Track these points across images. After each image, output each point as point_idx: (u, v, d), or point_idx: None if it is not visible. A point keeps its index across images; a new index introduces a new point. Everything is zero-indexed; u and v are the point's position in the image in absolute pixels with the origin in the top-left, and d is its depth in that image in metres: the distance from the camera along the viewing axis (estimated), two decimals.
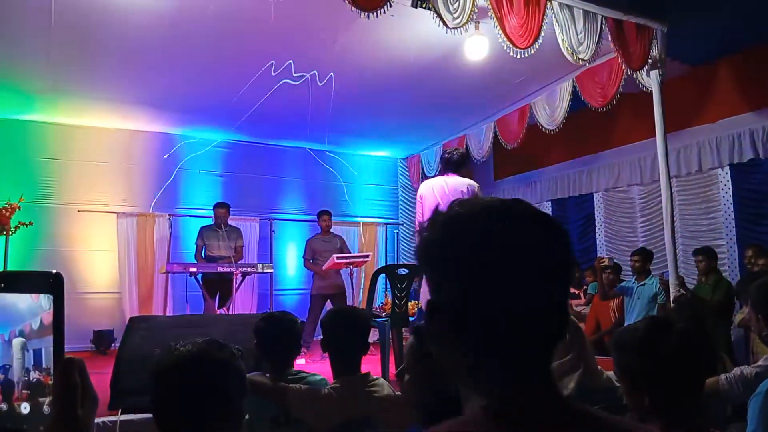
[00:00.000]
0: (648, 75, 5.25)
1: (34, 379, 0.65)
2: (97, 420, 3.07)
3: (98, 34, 4.99)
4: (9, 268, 6.01)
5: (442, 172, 5.69)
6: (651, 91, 5.25)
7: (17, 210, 5.86)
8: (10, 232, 5.87)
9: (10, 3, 4.46)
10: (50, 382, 0.64)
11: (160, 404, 1.40)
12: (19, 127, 7.00)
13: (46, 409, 0.64)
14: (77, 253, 7.22)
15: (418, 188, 9.29)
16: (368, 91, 6.38)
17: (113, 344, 6.65)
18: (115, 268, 7.31)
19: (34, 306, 0.65)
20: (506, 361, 0.66)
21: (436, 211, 0.71)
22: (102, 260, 7.32)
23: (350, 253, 7.00)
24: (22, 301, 0.64)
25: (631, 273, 6.21)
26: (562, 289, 0.70)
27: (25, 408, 0.63)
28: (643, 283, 5.83)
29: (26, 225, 5.91)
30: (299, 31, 5.08)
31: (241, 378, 1.44)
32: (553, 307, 0.68)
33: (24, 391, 0.64)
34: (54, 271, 0.65)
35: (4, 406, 0.63)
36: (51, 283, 0.64)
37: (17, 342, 0.65)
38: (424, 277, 0.74)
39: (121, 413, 3.09)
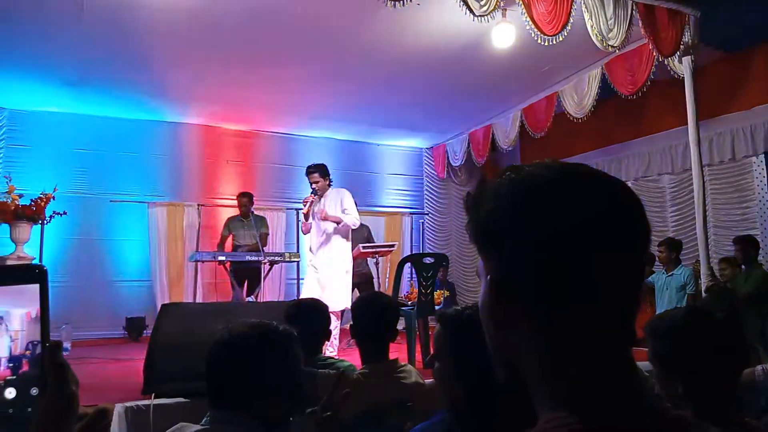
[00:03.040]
0: (680, 61, 5.14)
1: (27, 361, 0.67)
2: (131, 404, 3.17)
3: (128, 26, 5.06)
4: (44, 256, 6.17)
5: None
6: (683, 77, 5.14)
7: (52, 200, 5.99)
8: (45, 222, 6.00)
9: None
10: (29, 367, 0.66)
11: (216, 380, 1.42)
12: (52, 119, 7.16)
13: (33, 391, 0.65)
14: (109, 242, 7.38)
15: (443, 178, 9.32)
16: (393, 80, 6.36)
17: (145, 331, 6.80)
18: (146, 257, 7.47)
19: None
20: (591, 345, 0.59)
21: (485, 180, 0.65)
22: (133, 249, 7.48)
23: (375, 241, 7.02)
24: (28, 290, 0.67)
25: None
26: (642, 261, 0.63)
27: (10, 393, 0.65)
28: (671, 273, 5.74)
29: (60, 215, 6.04)
30: (324, 21, 5.09)
31: (300, 359, 1.50)
32: (636, 282, 0.62)
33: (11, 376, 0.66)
34: (38, 263, 0.69)
35: None
36: (37, 274, 0.67)
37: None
38: (483, 254, 0.65)
39: (154, 397, 3.16)
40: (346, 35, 5.36)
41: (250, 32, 5.25)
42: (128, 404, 3.11)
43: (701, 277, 5.03)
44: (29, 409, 0.65)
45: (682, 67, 5.13)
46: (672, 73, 5.26)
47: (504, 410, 1.10)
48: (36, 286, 0.67)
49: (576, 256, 0.58)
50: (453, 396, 1.40)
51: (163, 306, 3.76)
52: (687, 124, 5.12)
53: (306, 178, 5.45)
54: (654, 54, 5.06)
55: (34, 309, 0.67)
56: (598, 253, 0.58)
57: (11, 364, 0.66)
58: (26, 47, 5.44)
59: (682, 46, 5.00)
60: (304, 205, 5.35)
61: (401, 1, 4.13)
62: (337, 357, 3.14)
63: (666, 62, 5.14)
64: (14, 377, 0.66)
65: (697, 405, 1.38)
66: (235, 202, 7.08)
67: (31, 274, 0.67)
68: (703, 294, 4.94)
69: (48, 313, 0.67)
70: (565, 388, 0.59)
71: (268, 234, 7.02)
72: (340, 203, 5.40)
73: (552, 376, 0.60)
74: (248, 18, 4.98)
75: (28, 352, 0.67)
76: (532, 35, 4.53)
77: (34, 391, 0.65)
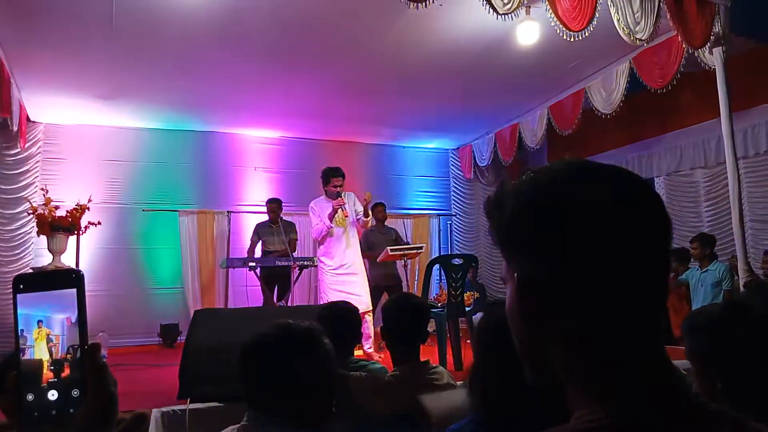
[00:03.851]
0: (711, 53, 5.02)
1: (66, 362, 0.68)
2: (167, 409, 3.22)
3: (156, 40, 5.17)
4: (80, 266, 6.32)
5: None
6: (714, 69, 5.02)
7: (86, 210, 6.14)
8: (81, 232, 6.16)
9: (72, 12, 4.67)
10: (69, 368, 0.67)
11: (247, 381, 1.46)
12: (85, 132, 7.35)
13: (74, 392, 0.66)
14: (142, 251, 7.53)
15: (470, 179, 9.28)
16: (419, 82, 6.36)
17: (179, 337, 6.91)
18: (178, 264, 7.59)
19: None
20: (607, 342, 0.60)
21: (505, 183, 0.66)
22: (165, 257, 7.61)
23: (403, 244, 7.02)
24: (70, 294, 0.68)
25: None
26: (662, 258, 0.63)
27: (52, 395, 0.66)
28: (705, 269, 5.61)
29: (95, 225, 6.19)
30: (348, 25, 5.11)
31: (328, 356, 1.50)
32: (654, 278, 0.62)
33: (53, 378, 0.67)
34: (75, 268, 0.71)
35: (30, 396, 0.66)
36: (74, 279, 0.68)
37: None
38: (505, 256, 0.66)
39: (190, 402, 3.21)
40: (370, 39, 5.38)
41: (274, 41, 5.31)
42: (164, 409, 3.16)
43: (739, 272, 4.90)
44: (71, 411, 0.66)
45: (713, 58, 5.01)
46: (703, 64, 5.14)
47: (536, 407, 1.09)
48: (73, 291, 0.69)
49: (588, 254, 0.59)
50: (484, 396, 1.39)
51: (196, 312, 3.81)
52: (719, 116, 5.00)
53: (326, 179, 5.52)
54: (683, 46, 4.96)
55: (74, 314, 0.69)
56: (611, 250, 0.59)
57: (53, 368, 0.68)
58: (59, 65, 5.61)
59: (712, 37, 4.87)
60: (341, 208, 5.41)
61: (424, 3, 4.13)
62: (369, 359, 3.15)
63: (696, 54, 5.03)
64: (56, 380, 0.67)
65: (736, 402, 1.35)
66: (263, 209, 7.15)
67: (69, 278, 0.69)
68: (741, 289, 4.81)
69: (85, 317, 0.69)
70: (587, 385, 0.60)
71: (297, 239, 7.08)
72: (353, 205, 5.62)
73: (576, 372, 0.62)
74: (272, 27, 5.04)
75: (69, 356, 0.68)
76: (558, 32, 4.48)
77: (75, 392, 0.66)
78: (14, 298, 0.68)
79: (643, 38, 4.66)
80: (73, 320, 0.69)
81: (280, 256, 6.44)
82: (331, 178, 5.47)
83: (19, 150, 6.99)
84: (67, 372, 0.68)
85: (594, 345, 0.60)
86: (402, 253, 6.24)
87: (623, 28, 4.58)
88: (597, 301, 0.59)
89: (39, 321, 0.69)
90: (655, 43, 5.26)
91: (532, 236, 0.62)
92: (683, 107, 6.85)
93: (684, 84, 5.56)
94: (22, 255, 6.92)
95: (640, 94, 6.04)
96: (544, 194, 0.63)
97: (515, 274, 0.65)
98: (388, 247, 6.14)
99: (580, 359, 0.61)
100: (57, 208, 6.05)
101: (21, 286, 0.69)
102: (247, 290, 7.00)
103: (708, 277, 5.57)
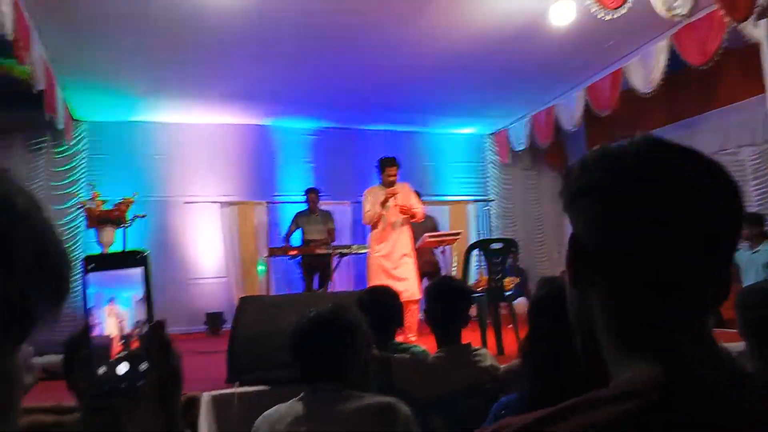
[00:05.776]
0: (755, 26, 4.84)
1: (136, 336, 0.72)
2: (216, 393, 3.32)
3: (192, 35, 5.28)
4: None
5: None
6: (759, 43, 4.84)
7: (132, 204, 6.34)
8: (127, 224, 6.36)
9: (110, 12, 4.79)
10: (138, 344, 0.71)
11: (301, 355, 1.70)
12: (128, 128, 7.56)
13: (142, 366, 0.70)
14: (186, 242, 7.73)
15: (507, 163, 9.19)
16: (453, 67, 6.32)
17: (224, 325, 7.09)
18: (221, 254, 7.77)
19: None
20: (676, 313, 0.60)
21: (590, 154, 0.67)
22: (208, 247, 7.80)
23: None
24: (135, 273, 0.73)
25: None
26: (731, 242, 0.62)
27: (122, 367, 0.69)
28: (756, 249, 5.45)
29: (141, 217, 6.39)
30: (381, 13, 5.11)
31: (366, 335, 1.74)
32: (721, 260, 0.62)
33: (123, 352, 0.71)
34: (141, 249, 0.75)
35: (101, 370, 0.69)
36: (139, 259, 0.73)
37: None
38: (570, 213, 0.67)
39: (238, 386, 3.30)
40: (402, 25, 5.37)
41: (306, 30, 5.33)
42: (214, 393, 3.26)
43: None
44: (139, 384, 0.70)
45: (758, 31, 4.82)
46: (747, 38, 4.97)
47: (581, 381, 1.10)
48: (138, 270, 0.74)
49: (670, 221, 0.59)
50: (536, 369, 1.40)
51: (242, 299, 3.90)
52: (766, 91, 4.83)
53: (381, 169, 5.62)
54: (725, 20, 4.79)
55: (140, 291, 0.74)
56: (691, 220, 0.59)
57: (122, 342, 0.73)
58: (100, 65, 5.77)
59: (757, 9, 4.70)
60: (391, 198, 5.48)
61: None
62: (411, 343, 3.18)
63: (739, 28, 4.86)
64: (125, 353, 0.72)
65: None
66: (301, 199, 7.24)
67: (134, 259, 0.74)
68: None
69: (152, 294, 0.74)
70: (632, 347, 0.61)
71: (334, 228, 7.16)
72: (409, 198, 5.68)
73: (614, 337, 0.63)
74: (305, 15, 5.06)
75: (137, 331, 0.73)
76: (593, 10, 4.40)
77: (143, 366, 0.70)
78: (84, 278, 0.73)
79: (682, 14, 4.52)
80: (139, 297, 0.74)
81: (319, 245, 6.53)
82: (386, 168, 5.59)
83: (65, 147, 7.24)
84: (135, 346, 0.73)
85: (624, 311, 0.62)
86: (439, 239, 6.24)
87: (662, 4, 4.46)
88: (625, 270, 0.61)
89: (109, 299, 0.74)
90: (695, 19, 5.10)
91: (575, 202, 0.65)
92: (727, 84, 6.62)
93: (728, 60, 5.38)
94: (72, 248, 7.18)
95: (682, 72, 5.87)
96: (588, 164, 0.65)
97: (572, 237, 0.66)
98: (426, 234, 6.15)
99: (614, 324, 0.62)
100: (104, 202, 6.26)
101: (90, 266, 0.74)
102: (288, 278, 7.12)
103: (759, 257, 5.41)
